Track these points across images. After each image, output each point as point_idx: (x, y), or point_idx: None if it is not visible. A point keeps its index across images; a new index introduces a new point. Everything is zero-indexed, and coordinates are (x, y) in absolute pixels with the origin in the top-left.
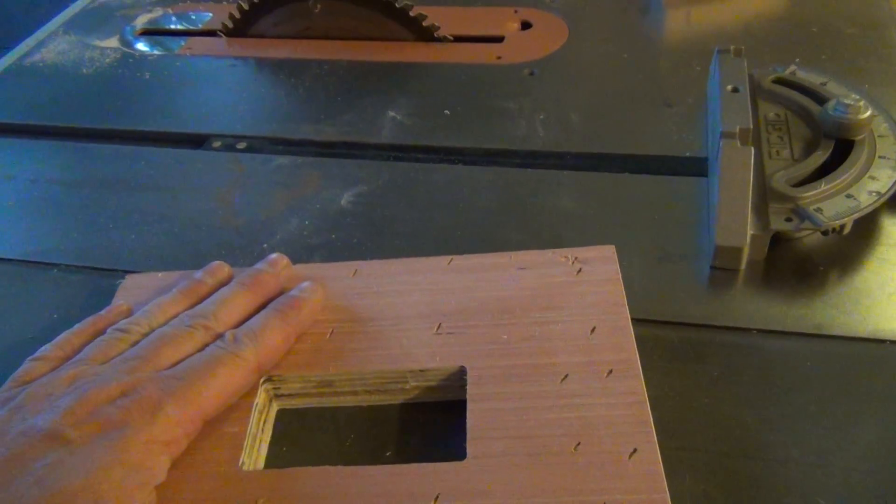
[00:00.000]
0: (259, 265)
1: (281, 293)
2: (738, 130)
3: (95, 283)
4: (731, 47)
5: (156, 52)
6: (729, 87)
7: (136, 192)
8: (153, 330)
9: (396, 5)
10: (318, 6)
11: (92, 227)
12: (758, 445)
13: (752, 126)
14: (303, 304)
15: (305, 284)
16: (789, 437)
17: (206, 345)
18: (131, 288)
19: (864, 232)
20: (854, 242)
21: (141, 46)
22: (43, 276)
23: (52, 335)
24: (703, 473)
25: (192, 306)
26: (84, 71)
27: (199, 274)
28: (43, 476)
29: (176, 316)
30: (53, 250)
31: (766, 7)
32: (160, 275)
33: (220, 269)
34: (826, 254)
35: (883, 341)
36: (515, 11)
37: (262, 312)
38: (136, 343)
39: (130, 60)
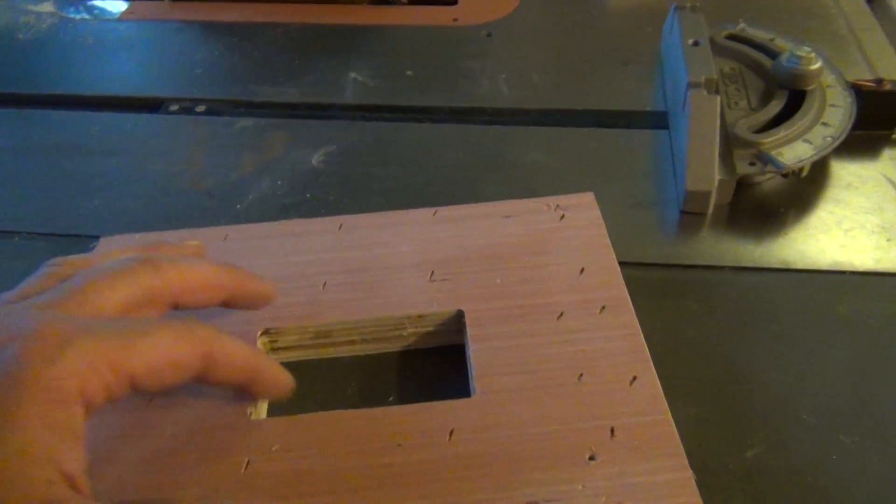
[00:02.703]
0: None
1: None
2: (703, 80)
3: (63, 250)
4: (688, 4)
5: (96, 16)
6: (690, 41)
7: (93, 157)
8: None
9: None
10: None
11: (52, 194)
12: (741, 371)
13: (716, 76)
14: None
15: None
16: (769, 362)
17: None
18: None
19: (819, 176)
20: (810, 185)
21: (78, 11)
22: (4, 245)
23: None
24: (694, 398)
25: None
26: (20, 36)
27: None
28: None
29: None
30: (13, 219)
31: None
32: (136, 236)
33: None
34: (785, 196)
35: (843, 272)
36: None
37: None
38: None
39: (70, 25)
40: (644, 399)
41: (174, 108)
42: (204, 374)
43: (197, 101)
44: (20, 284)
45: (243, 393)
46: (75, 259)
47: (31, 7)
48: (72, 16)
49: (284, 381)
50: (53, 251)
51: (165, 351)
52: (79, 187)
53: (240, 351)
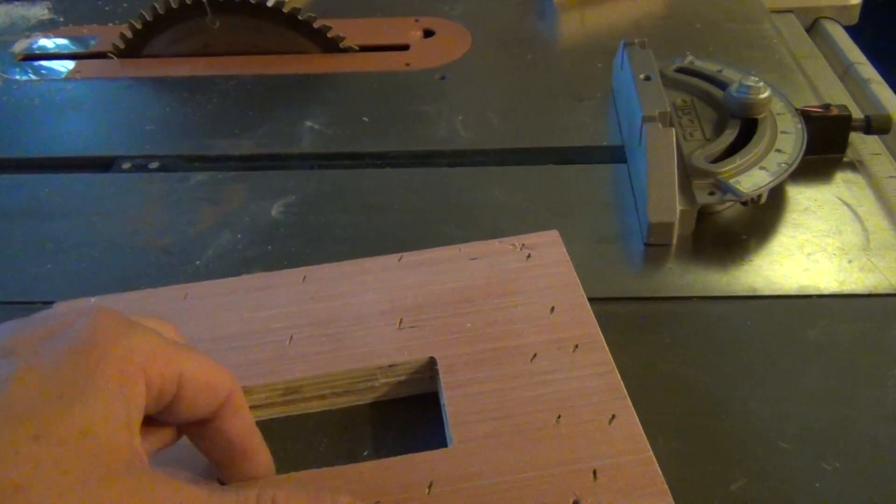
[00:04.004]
0: None
1: None
2: (657, 114)
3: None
4: (636, 40)
5: (42, 77)
6: (642, 76)
7: (44, 220)
8: None
9: (299, 18)
10: (217, 22)
11: (2, 260)
12: (717, 402)
13: (669, 108)
14: None
15: None
16: (744, 392)
17: None
18: None
19: (777, 201)
20: (769, 211)
21: (23, 73)
22: None
23: None
24: (674, 432)
25: None
26: None
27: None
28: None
29: None
30: None
31: (652, 7)
32: (93, 300)
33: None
34: (745, 223)
35: (809, 296)
36: (416, 20)
37: None
38: None
39: (14, 87)
40: (624, 438)
41: (126, 165)
42: (219, 415)
43: (150, 158)
44: None
45: (223, 468)
46: None
47: None
48: (16, 77)
49: (268, 465)
50: (2, 319)
51: (208, 368)
52: (29, 253)
53: (248, 412)
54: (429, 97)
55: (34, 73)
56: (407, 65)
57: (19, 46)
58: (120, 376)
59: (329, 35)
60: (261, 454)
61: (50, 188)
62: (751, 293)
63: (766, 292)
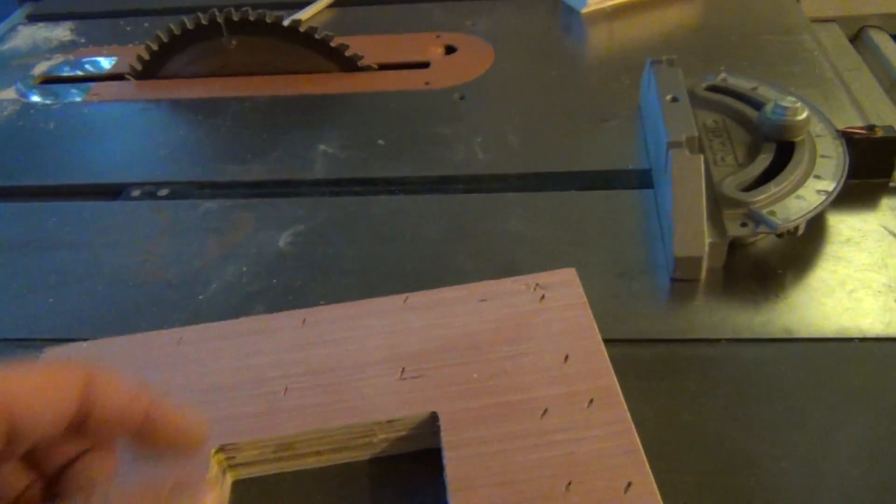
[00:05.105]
0: None
1: None
2: (684, 139)
3: (12, 357)
4: (664, 57)
5: (59, 100)
6: (668, 97)
7: (50, 251)
8: None
9: (317, 37)
10: (234, 42)
11: (3, 295)
12: (746, 459)
13: (697, 133)
14: None
15: None
16: (776, 448)
17: None
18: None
19: (815, 232)
20: (807, 243)
21: (42, 96)
22: None
23: None
24: (696, 495)
25: None
26: None
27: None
28: None
29: None
30: None
31: (684, 18)
32: (84, 344)
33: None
34: (781, 256)
35: (851, 339)
36: (438, 36)
37: None
38: None
39: (32, 111)
40: None
41: (136, 193)
42: (86, 412)
43: (160, 185)
44: None
45: (142, 449)
46: None
47: None
48: (35, 100)
49: (187, 427)
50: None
51: (43, 375)
52: (32, 286)
53: (125, 384)
54: (447, 118)
55: (52, 97)
56: (426, 83)
57: (39, 69)
58: None
59: (347, 54)
60: (169, 422)
61: (58, 217)
62: (786, 335)
63: (804, 334)
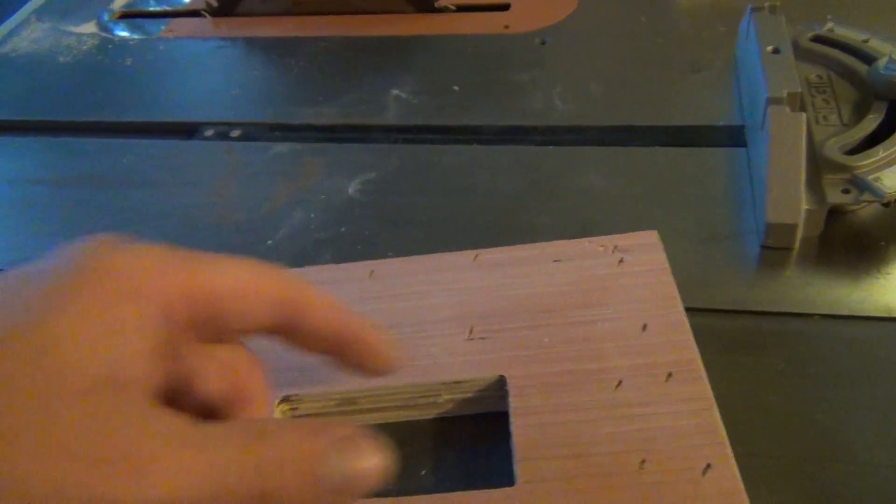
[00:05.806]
0: None
1: None
2: (785, 95)
3: None
4: (766, 4)
5: (136, 36)
6: (769, 48)
7: (126, 188)
8: None
9: None
10: None
11: (81, 230)
12: (837, 447)
13: (800, 89)
14: None
15: None
16: (871, 437)
17: None
18: None
19: None
20: None
21: (120, 31)
22: None
23: None
24: (778, 482)
25: None
26: (61, 59)
27: None
28: None
29: None
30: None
31: None
32: None
33: None
34: (885, 228)
35: None
36: None
37: None
38: None
39: (110, 46)
40: (719, 494)
41: (209, 133)
42: (289, 318)
43: (232, 126)
44: None
45: (332, 363)
46: None
47: (73, 29)
48: (113, 35)
49: (384, 351)
50: None
51: (249, 271)
52: (109, 223)
53: (330, 299)
54: (526, 64)
55: (129, 32)
56: (506, 27)
57: (118, 3)
58: (112, 295)
59: None
60: (368, 341)
61: (133, 154)
62: (887, 314)
63: None
